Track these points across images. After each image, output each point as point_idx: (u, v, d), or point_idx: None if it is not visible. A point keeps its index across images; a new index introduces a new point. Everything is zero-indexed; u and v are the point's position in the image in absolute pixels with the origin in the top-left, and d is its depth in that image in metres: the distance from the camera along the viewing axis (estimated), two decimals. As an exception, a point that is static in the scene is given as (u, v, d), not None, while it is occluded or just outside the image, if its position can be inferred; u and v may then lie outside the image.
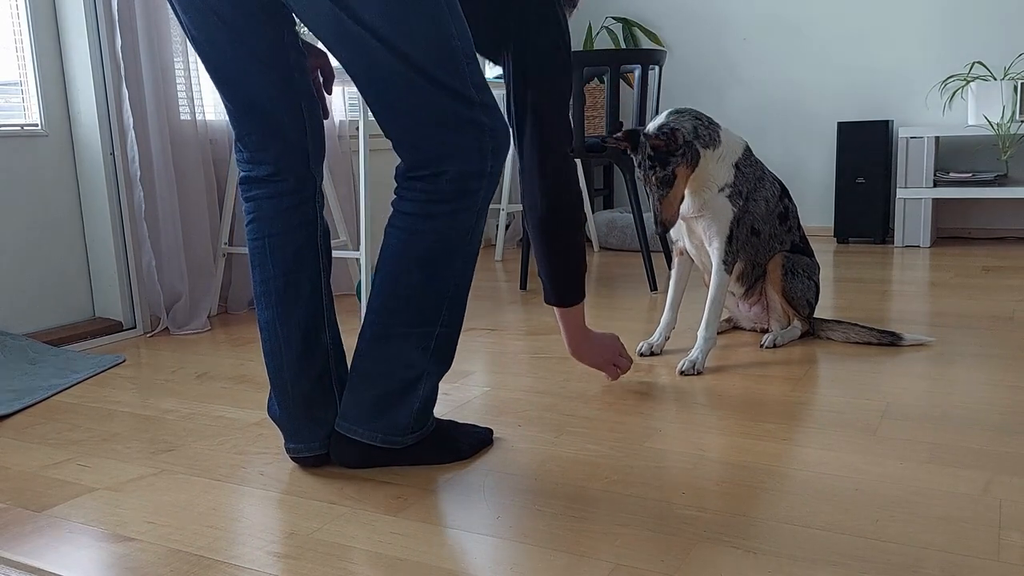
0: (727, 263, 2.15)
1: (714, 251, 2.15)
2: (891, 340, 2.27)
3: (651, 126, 2.08)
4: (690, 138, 2.06)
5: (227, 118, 3.08)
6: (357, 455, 1.51)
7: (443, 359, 1.49)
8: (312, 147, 1.50)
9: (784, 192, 2.29)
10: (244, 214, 1.51)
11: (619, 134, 2.08)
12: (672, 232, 2.24)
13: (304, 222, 1.50)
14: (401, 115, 1.36)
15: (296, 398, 1.52)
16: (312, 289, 1.51)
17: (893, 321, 2.54)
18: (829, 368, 2.09)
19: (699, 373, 2.09)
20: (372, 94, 1.35)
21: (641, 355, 2.26)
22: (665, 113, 2.12)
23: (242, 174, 1.51)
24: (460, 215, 1.40)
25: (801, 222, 2.48)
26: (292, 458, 1.56)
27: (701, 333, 2.16)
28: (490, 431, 1.66)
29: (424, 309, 1.43)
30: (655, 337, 2.30)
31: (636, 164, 2.09)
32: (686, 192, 2.12)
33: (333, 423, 1.53)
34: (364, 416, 1.48)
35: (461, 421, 1.69)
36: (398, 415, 1.48)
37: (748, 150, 2.18)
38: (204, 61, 1.42)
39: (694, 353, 2.13)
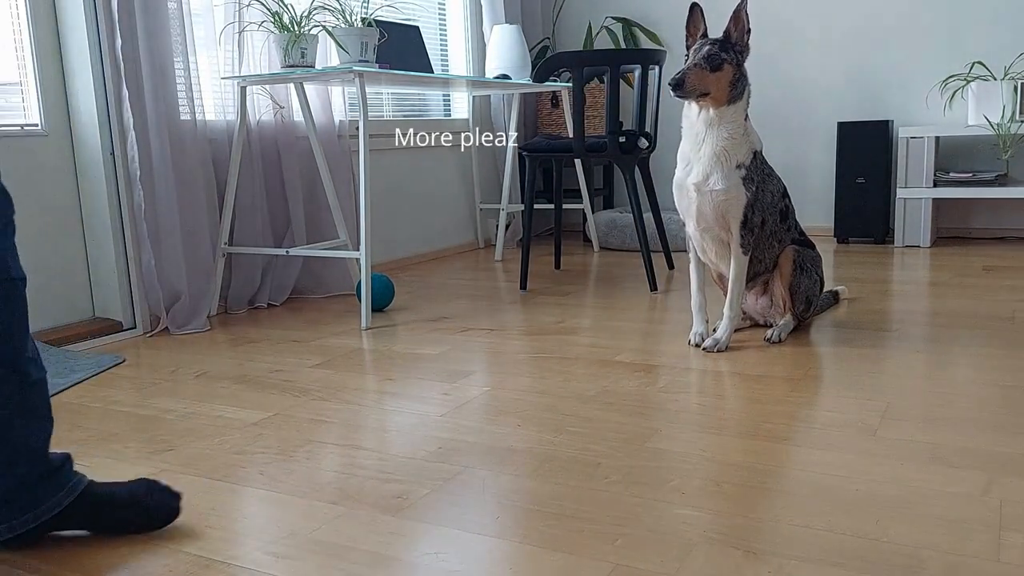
0: (744, 246, 2.26)
1: (733, 235, 2.26)
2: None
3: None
4: (746, 80, 2.21)
5: (228, 117, 3.08)
6: None
7: None
8: None
9: (785, 192, 2.39)
10: None
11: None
12: (688, 228, 2.33)
13: None
14: None
15: None
16: None
17: (893, 321, 2.54)
18: (829, 368, 2.09)
19: (720, 351, 2.26)
20: None
21: (697, 346, 2.33)
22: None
23: None
24: None
25: (800, 222, 2.58)
26: None
27: (726, 312, 2.30)
28: (177, 498, 1.35)
29: None
30: (699, 327, 2.37)
31: (694, 47, 2.20)
32: (703, 156, 2.21)
33: None
34: None
35: (153, 485, 1.35)
36: None
37: (760, 151, 2.29)
38: None
39: (720, 332, 2.29)
